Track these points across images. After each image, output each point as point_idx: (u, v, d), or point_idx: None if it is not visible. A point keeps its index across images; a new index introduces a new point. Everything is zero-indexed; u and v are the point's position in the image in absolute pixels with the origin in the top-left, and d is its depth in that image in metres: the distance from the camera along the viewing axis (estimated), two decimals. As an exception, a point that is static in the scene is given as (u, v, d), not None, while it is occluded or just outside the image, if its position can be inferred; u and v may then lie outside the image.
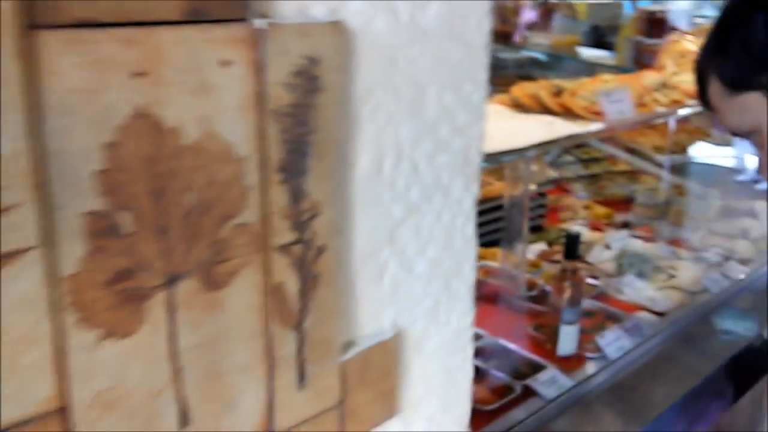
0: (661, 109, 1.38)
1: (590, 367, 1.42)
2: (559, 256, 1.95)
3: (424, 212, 0.70)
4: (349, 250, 0.64)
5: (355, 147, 0.62)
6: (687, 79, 1.48)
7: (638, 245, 2.00)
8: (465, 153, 0.72)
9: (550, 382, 1.33)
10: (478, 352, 1.46)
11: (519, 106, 1.37)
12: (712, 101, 0.97)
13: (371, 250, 0.67)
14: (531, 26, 3.23)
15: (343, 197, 0.62)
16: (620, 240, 2.02)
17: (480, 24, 0.69)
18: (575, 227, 2.13)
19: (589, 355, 1.45)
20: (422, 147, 0.68)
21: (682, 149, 2.04)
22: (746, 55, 0.88)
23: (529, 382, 1.32)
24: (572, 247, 1.33)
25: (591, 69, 2.81)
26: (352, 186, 0.63)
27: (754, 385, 1.86)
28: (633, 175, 2.52)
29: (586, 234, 2.09)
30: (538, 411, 1.27)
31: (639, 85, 1.39)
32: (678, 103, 1.41)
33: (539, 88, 1.34)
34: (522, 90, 1.37)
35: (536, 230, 2.14)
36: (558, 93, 1.32)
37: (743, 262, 1.91)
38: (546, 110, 1.32)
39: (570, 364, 1.41)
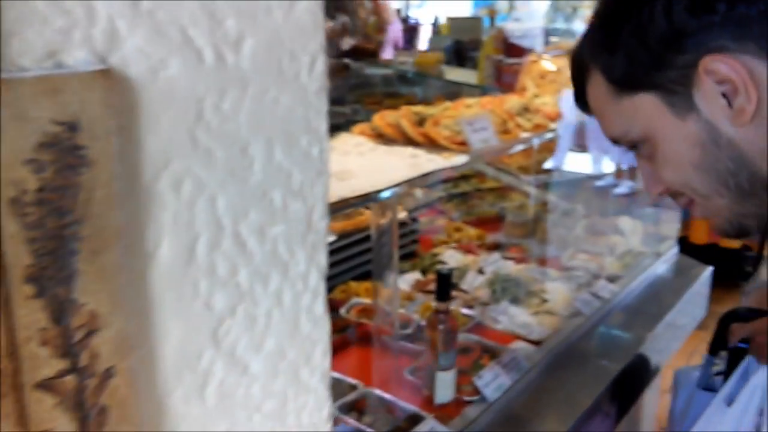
0: (525, 134, 1.32)
1: (471, 412, 1.33)
2: (433, 285, 1.87)
3: (257, 298, 0.56)
4: (154, 364, 0.49)
5: (152, 231, 0.47)
6: (548, 101, 1.45)
7: (510, 267, 1.97)
8: (306, 218, 0.59)
9: (429, 436, 1.23)
10: (352, 407, 1.34)
11: (381, 136, 1.26)
12: (592, 103, 0.79)
13: (188, 357, 0.52)
14: (396, 44, 3.19)
15: (138, 299, 0.47)
16: (493, 263, 1.97)
17: (314, 62, 0.56)
18: (448, 252, 2.07)
19: (468, 398, 1.36)
20: (249, 219, 0.54)
21: (541, 167, 2.03)
22: (641, 49, 0.71)
23: (405, 438, 1.21)
24: (444, 288, 1.24)
25: (455, 87, 2.79)
26: (152, 282, 0.48)
27: (636, 402, 1.87)
28: (502, 192, 2.51)
29: (460, 258, 2.03)
30: (418, 472, 1.16)
31: (501, 110, 1.33)
32: (541, 128, 1.37)
33: (400, 117, 1.24)
34: (383, 119, 1.26)
35: (409, 257, 2.06)
36: (421, 121, 1.23)
37: (612, 279, 1.92)
38: (409, 140, 1.22)
39: (449, 411, 1.32)
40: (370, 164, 1.11)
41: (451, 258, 2.02)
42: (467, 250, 2.09)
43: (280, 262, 0.58)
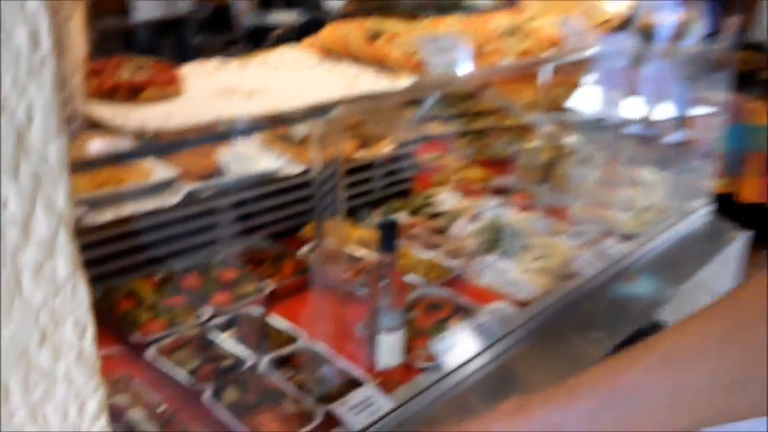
0: (506, 62, 1.07)
1: (421, 382, 1.15)
2: (418, 229, 1.67)
3: None
4: None
5: None
6: (545, 24, 1.19)
7: (511, 216, 1.75)
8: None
9: (362, 406, 1.06)
10: (285, 361, 1.18)
11: (329, 52, 1.05)
12: None
13: None
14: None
15: None
16: (491, 210, 1.75)
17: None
18: (444, 193, 1.85)
19: (422, 365, 1.18)
20: None
21: (558, 106, 1.76)
22: None
23: (334, 406, 1.04)
24: (388, 237, 1.04)
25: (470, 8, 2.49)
26: None
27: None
28: (522, 132, 2.25)
29: (456, 201, 1.82)
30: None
31: (483, 30, 1.09)
32: (528, 54, 1.11)
33: (350, 31, 1.02)
34: (332, 33, 1.04)
35: (400, 196, 1.86)
36: (375, 37, 1.01)
37: (625, 237, 1.68)
38: (358, 58, 1.00)
39: (396, 377, 1.14)
40: (297, 82, 0.91)
41: (446, 200, 1.81)
42: (467, 193, 1.88)
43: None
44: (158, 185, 1.44)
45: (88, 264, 1.34)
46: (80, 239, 1.30)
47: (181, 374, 1.11)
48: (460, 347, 1.22)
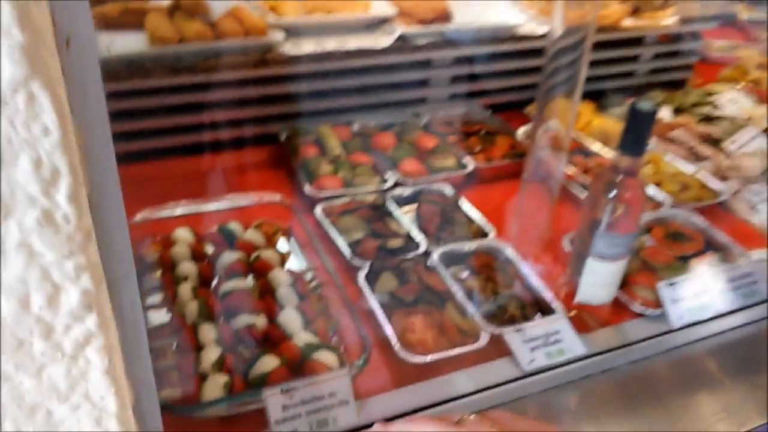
0: None
1: (633, 331, 0.85)
2: (681, 132, 1.28)
3: None
4: None
5: None
6: None
7: (824, 139, 1.26)
8: None
9: (544, 341, 0.80)
10: (463, 258, 0.95)
11: None
12: None
13: None
14: None
15: None
16: (795, 126, 1.28)
17: None
18: (731, 93, 1.40)
19: (641, 309, 0.87)
20: None
21: None
22: None
23: (506, 331, 0.80)
24: (638, 130, 0.71)
25: None
26: None
27: None
28: None
29: (746, 106, 1.37)
30: (497, 386, 0.76)
31: None
32: None
33: None
34: None
35: (671, 86, 1.45)
36: None
37: None
38: None
39: (600, 316, 0.85)
40: None
41: (732, 103, 1.36)
42: (765, 99, 1.40)
43: None
44: (371, 21, 1.23)
45: (276, 99, 1.17)
46: (272, 69, 1.13)
47: (342, 243, 0.93)
48: (703, 298, 0.88)
